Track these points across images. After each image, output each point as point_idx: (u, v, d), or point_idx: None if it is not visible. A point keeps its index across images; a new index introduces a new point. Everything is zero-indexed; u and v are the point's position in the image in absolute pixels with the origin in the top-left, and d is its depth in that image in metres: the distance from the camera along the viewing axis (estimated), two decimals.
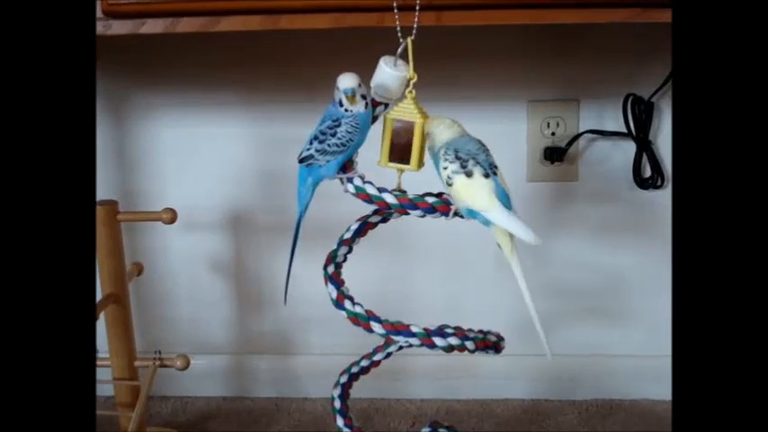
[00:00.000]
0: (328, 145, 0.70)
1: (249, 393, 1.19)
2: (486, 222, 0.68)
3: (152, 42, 1.04)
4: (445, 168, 0.69)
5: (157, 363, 0.94)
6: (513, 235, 0.69)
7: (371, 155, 0.73)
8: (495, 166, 0.69)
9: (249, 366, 1.18)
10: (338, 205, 0.75)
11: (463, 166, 0.68)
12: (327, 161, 0.71)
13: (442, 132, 0.70)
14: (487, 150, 0.70)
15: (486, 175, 0.68)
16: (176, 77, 1.08)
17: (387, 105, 0.73)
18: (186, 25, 0.72)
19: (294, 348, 1.18)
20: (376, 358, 0.81)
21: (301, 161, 0.73)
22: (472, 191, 0.68)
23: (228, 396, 1.18)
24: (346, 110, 0.69)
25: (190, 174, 1.11)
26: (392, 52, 0.70)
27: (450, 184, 0.69)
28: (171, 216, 0.91)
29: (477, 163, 0.68)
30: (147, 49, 1.06)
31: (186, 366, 0.94)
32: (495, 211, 0.67)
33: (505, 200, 0.68)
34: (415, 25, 0.68)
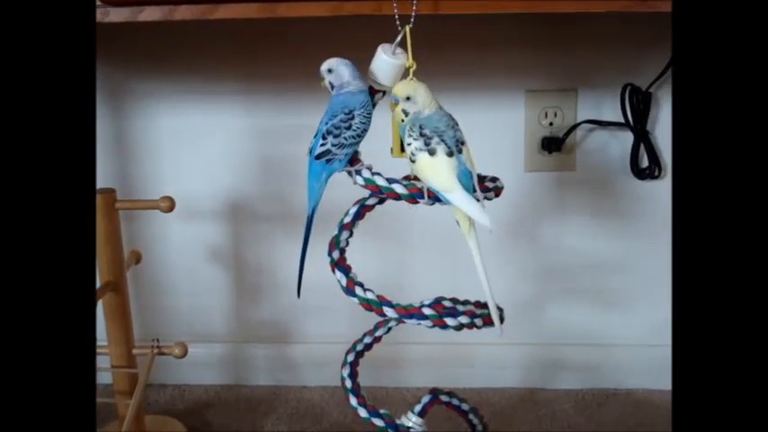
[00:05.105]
0: (345, 138, 0.71)
1: (247, 381, 1.19)
2: (447, 201, 0.69)
3: (150, 30, 1.04)
4: (409, 144, 0.69)
5: (155, 351, 0.95)
6: None
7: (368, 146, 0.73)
8: (463, 143, 0.69)
9: (247, 355, 1.19)
10: (330, 191, 0.75)
11: (427, 144, 0.68)
12: (346, 154, 0.72)
13: (427, 107, 0.69)
14: (456, 126, 0.70)
15: (450, 154, 0.68)
16: (175, 65, 1.08)
17: (384, 93, 0.73)
18: (184, 12, 0.72)
19: (292, 337, 1.18)
20: (378, 334, 0.82)
21: (318, 157, 0.72)
22: (434, 170, 0.68)
23: (226, 384, 1.19)
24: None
25: (188, 162, 1.11)
26: (391, 41, 0.70)
27: (413, 161, 0.69)
28: (169, 204, 0.91)
29: (443, 140, 0.68)
30: (145, 37, 1.06)
31: (184, 354, 0.94)
32: (455, 193, 0.68)
33: (467, 179, 0.68)
34: (413, 13, 0.68)
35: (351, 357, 0.82)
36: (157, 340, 0.95)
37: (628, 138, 1.07)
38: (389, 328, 0.82)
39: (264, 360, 1.19)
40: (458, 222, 0.71)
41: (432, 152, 0.68)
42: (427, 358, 1.16)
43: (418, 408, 0.81)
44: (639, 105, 1.05)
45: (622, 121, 1.06)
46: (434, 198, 0.70)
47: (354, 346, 0.82)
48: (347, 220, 0.76)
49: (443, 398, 0.84)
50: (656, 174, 1.07)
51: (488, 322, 0.75)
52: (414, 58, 0.70)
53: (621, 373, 1.15)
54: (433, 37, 0.70)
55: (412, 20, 0.68)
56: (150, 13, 0.72)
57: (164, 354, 0.95)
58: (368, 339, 0.83)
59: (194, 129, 1.10)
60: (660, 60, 1.01)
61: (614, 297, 1.14)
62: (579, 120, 1.07)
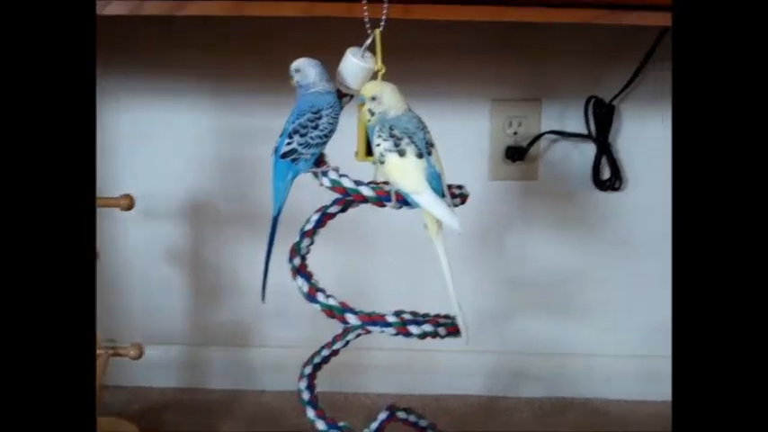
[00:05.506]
0: (311, 138, 0.70)
1: (204, 384, 1.17)
2: (415, 203, 0.68)
3: (115, 25, 1.03)
4: (378, 145, 0.69)
5: (110, 351, 0.93)
6: None
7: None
8: (432, 145, 0.69)
9: (205, 357, 1.17)
10: (294, 194, 0.74)
11: (396, 145, 0.68)
12: (312, 154, 0.71)
13: (393, 107, 0.69)
14: (425, 128, 0.70)
15: (420, 155, 0.68)
16: (137, 62, 1.07)
17: (352, 97, 0.73)
18: (151, 8, 0.71)
19: (250, 340, 1.17)
20: (336, 347, 0.81)
21: (284, 156, 0.71)
22: (403, 171, 0.68)
23: (183, 387, 1.17)
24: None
25: (149, 160, 1.10)
26: (362, 44, 0.69)
27: (382, 162, 0.69)
28: (128, 202, 0.90)
29: (412, 142, 0.68)
30: (110, 32, 1.04)
31: (139, 356, 0.93)
32: (424, 195, 0.68)
33: (436, 182, 0.68)
34: (383, 17, 0.68)
35: (308, 370, 0.81)
36: (113, 341, 0.93)
37: (590, 149, 1.08)
38: (347, 342, 0.81)
39: (222, 363, 1.17)
40: (425, 226, 0.71)
41: (401, 153, 0.68)
42: (387, 364, 1.15)
43: (375, 425, 0.80)
44: (602, 118, 1.06)
45: (585, 132, 1.07)
46: (402, 201, 0.69)
47: (312, 358, 0.82)
48: (308, 227, 0.75)
49: (400, 414, 0.83)
50: (617, 186, 1.09)
51: (452, 332, 0.75)
52: (383, 63, 0.70)
53: (580, 382, 1.16)
54: (402, 42, 0.70)
55: (382, 23, 0.68)
56: (117, 8, 0.71)
57: (119, 355, 0.93)
58: (325, 352, 0.82)
59: (155, 126, 1.09)
60: (624, 73, 1.03)
61: (574, 306, 1.15)
62: (543, 130, 1.09)
